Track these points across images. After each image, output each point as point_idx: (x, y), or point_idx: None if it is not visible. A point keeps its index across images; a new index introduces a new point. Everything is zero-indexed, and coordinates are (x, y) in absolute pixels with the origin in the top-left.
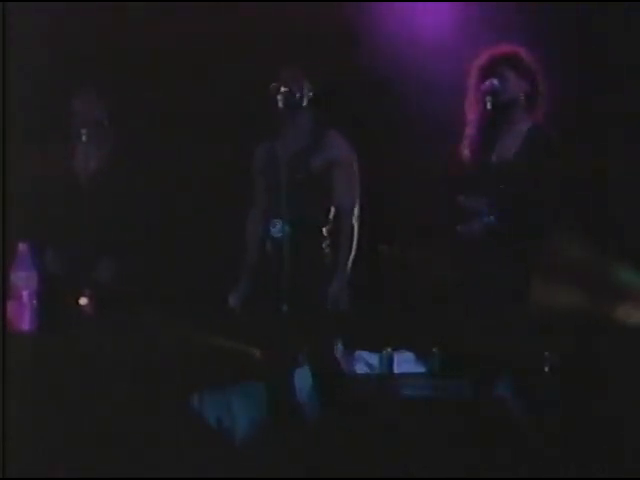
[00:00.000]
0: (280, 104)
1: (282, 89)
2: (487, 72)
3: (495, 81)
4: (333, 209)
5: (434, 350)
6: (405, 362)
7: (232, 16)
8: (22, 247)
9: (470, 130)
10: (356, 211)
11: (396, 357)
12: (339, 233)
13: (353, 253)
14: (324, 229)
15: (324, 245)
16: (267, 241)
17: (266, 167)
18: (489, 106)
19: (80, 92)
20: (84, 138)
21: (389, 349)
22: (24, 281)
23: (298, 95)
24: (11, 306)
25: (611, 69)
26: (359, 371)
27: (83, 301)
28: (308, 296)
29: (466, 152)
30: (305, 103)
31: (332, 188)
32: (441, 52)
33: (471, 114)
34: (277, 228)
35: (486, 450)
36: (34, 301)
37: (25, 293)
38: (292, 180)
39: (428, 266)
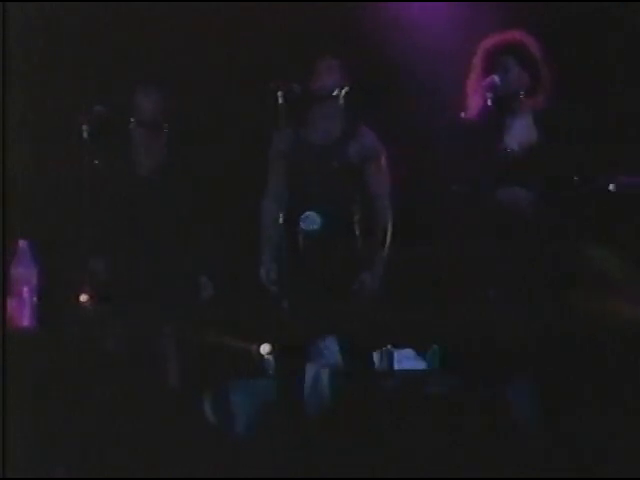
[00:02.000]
0: (315, 95)
1: (317, 81)
2: (491, 59)
3: (496, 77)
4: (366, 200)
5: (434, 347)
6: (405, 359)
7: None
8: (22, 244)
9: (477, 119)
10: (389, 202)
11: (396, 354)
12: (375, 224)
13: (389, 243)
14: (355, 219)
15: (357, 236)
16: (298, 235)
17: (290, 153)
18: (489, 102)
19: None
20: (85, 135)
21: (389, 346)
22: (24, 277)
23: (332, 87)
24: (11, 302)
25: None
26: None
27: (83, 298)
28: (340, 290)
29: (476, 142)
30: (339, 95)
31: (365, 179)
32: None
33: (474, 100)
34: (309, 220)
35: (486, 449)
36: (34, 297)
37: (25, 289)
38: (326, 169)
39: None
